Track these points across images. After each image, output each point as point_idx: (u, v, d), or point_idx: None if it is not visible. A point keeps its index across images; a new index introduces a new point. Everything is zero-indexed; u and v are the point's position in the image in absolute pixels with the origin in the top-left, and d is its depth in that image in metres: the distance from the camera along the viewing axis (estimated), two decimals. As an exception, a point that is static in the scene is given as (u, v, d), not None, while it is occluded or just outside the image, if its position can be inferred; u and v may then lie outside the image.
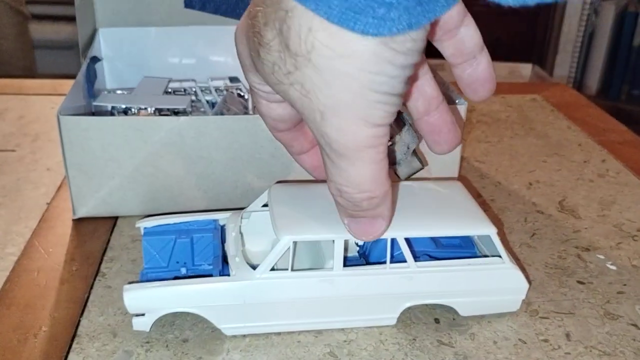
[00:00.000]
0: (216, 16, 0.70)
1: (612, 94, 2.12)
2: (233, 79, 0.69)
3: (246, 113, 0.61)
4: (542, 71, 2.20)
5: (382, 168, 0.33)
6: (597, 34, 2.13)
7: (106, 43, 0.69)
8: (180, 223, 0.45)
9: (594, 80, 2.19)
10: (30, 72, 1.57)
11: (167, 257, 0.44)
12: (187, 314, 0.42)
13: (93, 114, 0.59)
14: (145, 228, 0.45)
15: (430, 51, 0.35)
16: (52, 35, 1.83)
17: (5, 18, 1.45)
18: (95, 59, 0.63)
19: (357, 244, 0.45)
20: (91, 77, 0.61)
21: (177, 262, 0.44)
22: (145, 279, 0.43)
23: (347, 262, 0.41)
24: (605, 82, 2.15)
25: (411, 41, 0.29)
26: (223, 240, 0.45)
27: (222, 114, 0.58)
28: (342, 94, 0.30)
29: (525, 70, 2.16)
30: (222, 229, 0.46)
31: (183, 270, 0.44)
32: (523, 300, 0.44)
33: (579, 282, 0.48)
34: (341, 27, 0.28)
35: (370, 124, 0.31)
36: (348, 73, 0.29)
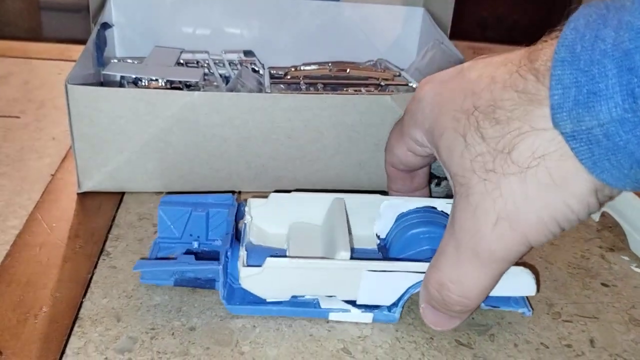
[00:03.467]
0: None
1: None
2: (247, 53, 0.67)
3: (261, 89, 0.58)
4: (556, 57, 2.15)
5: (495, 283, 0.35)
6: (616, 22, 2.08)
7: (117, 9, 0.66)
8: (198, 195, 0.44)
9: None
10: (36, 35, 1.54)
11: (182, 229, 0.43)
12: (196, 299, 0.40)
13: (102, 83, 0.57)
14: (162, 197, 0.44)
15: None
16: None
17: (10, -24, 1.42)
18: (105, 25, 0.61)
19: (377, 236, 0.43)
20: (101, 44, 0.59)
21: (191, 235, 0.43)
22: (158, 248, 0.43)
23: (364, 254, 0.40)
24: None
25: (613, 196, 0.31)
26: (238, 218, 0.44)
27: (236, 89, 0.56)
28: (531, 214, 0.31)
29: (540, 55, 2.12)
30: (239, 206, 0.44)
31: (195, 245, 0.43)
32: (546, 302, 0.42)
33: (603, 284, 0.46)
34: (581, 166, 0.29)
35: (529, 243, 0.32)
36: (551, 200, 0.30)
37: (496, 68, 0.33)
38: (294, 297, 0.39)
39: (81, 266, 0.43)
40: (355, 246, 0.42)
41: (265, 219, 0.44)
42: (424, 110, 0.36)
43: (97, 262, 0.43)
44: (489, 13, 2.13)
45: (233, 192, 0.49)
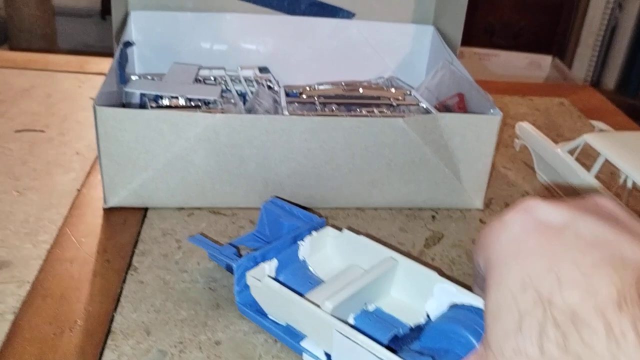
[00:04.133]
0: (249, 4, 0.69)
1: (631, 91, 2.10)
2: (262, 69, 0.69)
3: (277, 107, 0.61)
4: (561, 64, 2.17)
5: None
6: (620, 29, 2.10)
7: (136, 26, 0.68)
8: (298, 209, 0.48)
9: (613, 75, 2.16)
10: (51, 41, 1.56)
11: (274, 231, 0.47)
12: (220, 314, 0.43)
13: (124, 105, 0.59)
14: (272, 198, 0.49)
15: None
16: (71, 2, 1.81)
17: (28, -16, 1.44)
18: (127, 44, 0.63)
19: (428, 315, 0.41)
20: (123, 62, 0.61)
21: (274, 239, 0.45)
22: (249, 238, 0.49)
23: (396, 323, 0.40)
24: (625, 78, 2.12)
25: None
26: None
27: (254, 109, 0.58)
28: None
29: (544, 61, 2.14)
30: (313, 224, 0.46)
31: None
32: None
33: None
34: None
35: None
36: None
37: (603, 278, 0.26)
38: (289, 325, 0.41)
39: (111, 281, 0.45)
40: (399, 316, 0.41)
41: (330, 248, 0.46)
42: (498, 238, 0.30)
43: (125, 277, 0.46)
44: (495, 19, 2.15)
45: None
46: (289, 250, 0.44)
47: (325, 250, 0.46)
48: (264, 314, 0.42)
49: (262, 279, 0.40)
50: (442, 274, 0.41)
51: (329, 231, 0.46)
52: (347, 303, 0.38)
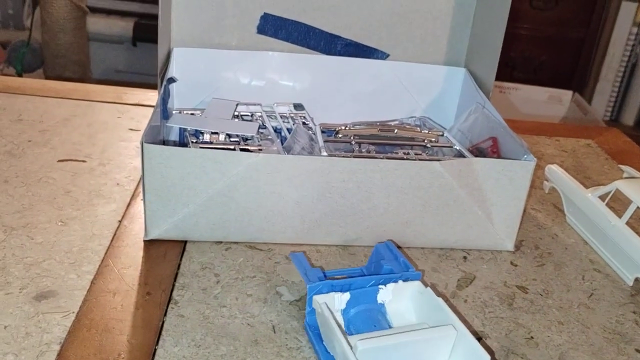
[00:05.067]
0: (287, 43, 0.71)
1: (652, 128, 2.10)
2: (297, 106, 0.71)
3: (312, 145, 0.62)
4: (581, 99, 2.18)
5: None
6: (641, 66, 2.11)
7: (177, 62, 0.70)
8: (403, 260, 0.48)
9: (632, 111, 2.17)
10: (84, 66, 1.60)
11: (375, 272, 0.49)
12: (259, 351, 0.44)
13: (163, 139, 0.61)
14: (387, 241, 0.51)
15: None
16: (105, 29, 1.86)
17: (66, 12, 1.48)
18: (170, 80, 0.65)
19: None
20: (166, 97, 0.63)
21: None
22: (337, 272, 0.50)
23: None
24: (645, 115, 2.13)
25: None
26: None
27: (291, 147, 0.60)
28: None
29: (565, 96, 2.15)
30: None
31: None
32: (585, 368, 0.44)
33: (637, 350, 0.48)
34: None
35: None
36: None
37: None
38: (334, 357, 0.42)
39: (152, 313, 0.47)
40: None
41: (412, 301, 0.47)
42: None
43: (166, 310, 0.47)
44: (517, 54, 2.17)
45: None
46: (369, 291, 0.45)
47: (407, 302, 0.47)
48: (321, 340, 0.43)
49: (321, 305, 0.41)
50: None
51: (415, 285, 0.46)
52: (381, 351, 0.39)
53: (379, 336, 0.40)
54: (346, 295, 0.44)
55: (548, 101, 2.15)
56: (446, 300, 0.51)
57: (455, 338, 0.41)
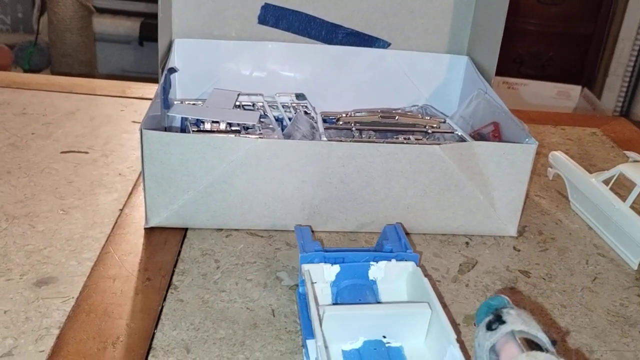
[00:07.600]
0: (288, 33, 0.71)
1: (662, 122, 2.08)
2: (299, 96, 0.71)
3: (313, 132, 0.62)
4: (590, 94, 2.16)
5: None
6: (651, 60, 2.09)
7: (179, 54, 0.70)
8: (405, 242, 0.48)
9: (643, 106, 2.15)
10: (91, 65, 1.62)
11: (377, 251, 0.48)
12: (257, 334, 0.43)
13: (165, 129, 0.61)
14: (396, 224, 0.50)
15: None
16: (111, 29, 1.87)
17: (72, 11, 1.49)
18: (171, 70, 0.65)
19: None
20: (167, 87, 0.63)
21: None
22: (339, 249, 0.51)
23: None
24: (655, 109, 2.11)
25: None
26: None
27: (293, 135, 0.60)
28: None
29: (574, 91, 2.13)
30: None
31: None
32: (586, 348, 0.44)
33: (641, 333, 0.48)
34: None
35: None
36: None
37: None
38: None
39: (151, 298, 0.47)
40: None
41: (405, 281, 0.47)
42: None
43: (165, 295, 0.47)
44: (524, 50, 2.15)
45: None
46: (362, 266, 0.45)
47: (401, 282, 0.46)
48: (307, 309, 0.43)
49: (305, 273, 0.42)
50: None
51: (407, 265, 0.46)
52: (347, 320, 0.40)
53: (351, 308, 0.40)
54: (335, 268, 0.44)
55: (557, 97, 2.13)
56: (447, 284, 0.51)
57: (431, 317, 0.41)
